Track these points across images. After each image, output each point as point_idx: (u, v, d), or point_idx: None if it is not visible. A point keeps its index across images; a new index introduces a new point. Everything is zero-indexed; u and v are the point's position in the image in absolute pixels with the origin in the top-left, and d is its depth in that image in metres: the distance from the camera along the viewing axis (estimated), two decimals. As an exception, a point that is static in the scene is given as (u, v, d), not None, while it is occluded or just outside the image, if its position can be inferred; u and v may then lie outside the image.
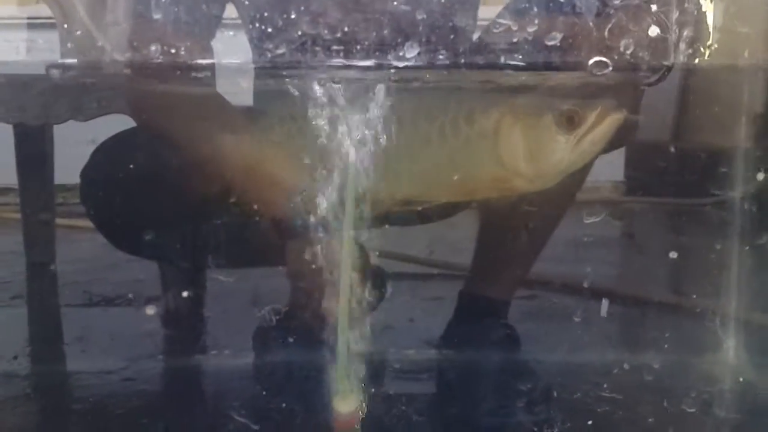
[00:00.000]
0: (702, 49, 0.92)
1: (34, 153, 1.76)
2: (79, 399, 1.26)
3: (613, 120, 0.89)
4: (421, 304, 1.62)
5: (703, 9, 0.93)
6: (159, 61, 0.83)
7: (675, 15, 0.88)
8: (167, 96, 0.99)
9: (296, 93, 0.88)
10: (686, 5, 0.89)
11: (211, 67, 0.89)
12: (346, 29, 0.81)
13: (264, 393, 1.19)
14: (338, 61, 0.82)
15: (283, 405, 1.08)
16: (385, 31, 0.81)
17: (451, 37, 0.87)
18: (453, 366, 1.33)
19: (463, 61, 0.83)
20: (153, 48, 0.83)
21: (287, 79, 0.90)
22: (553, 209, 1.24)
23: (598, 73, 0.82)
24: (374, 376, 0.91)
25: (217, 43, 0.97)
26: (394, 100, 0.90)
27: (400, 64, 0.80)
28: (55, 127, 1.68)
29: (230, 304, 1.42)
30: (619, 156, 2.33)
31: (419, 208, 1.00)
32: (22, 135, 1.72)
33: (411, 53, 0.80)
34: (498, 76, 0.90)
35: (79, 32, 0.80)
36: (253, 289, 1.29)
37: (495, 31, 0.86)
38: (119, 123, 1.21)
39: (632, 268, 2.07)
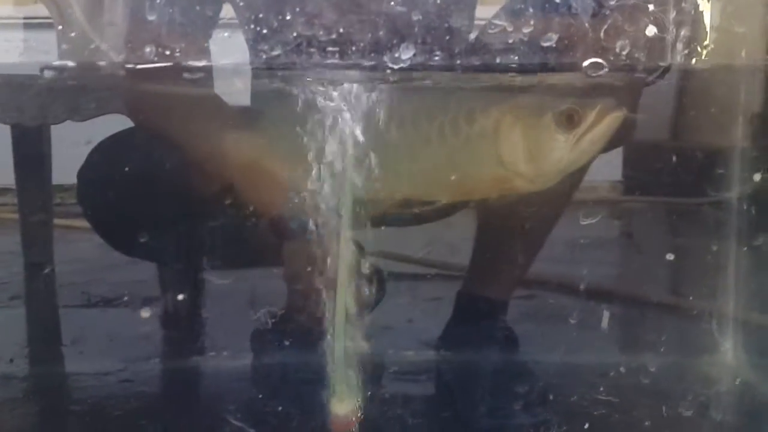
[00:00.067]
0: (699, 49, 0.92)
1: (31, 153, 1.76)
2: (77, 400, 1.26)
3: (612, 119, 0.89)
4: (420, 305, 1.62)
5: (701, 9, 0.93)
6: (155, 61, 0.83)
7: (672, 14, 0.87)
8: (163, 96, 0.99)
9: (292, 94, 0.88)
10: (683, 5, 0.89)
11: (207, 69, 0.89)
12: (341, 30, 0.81)
13: (262, 395, 1.19)
14: (333, 62, 0.82)
15: (279, 408, 1.08)
16: (381, 33, 0.81)
17: (447, 38, 0.87)
18: (451, 367, 1.33)
19: (458, 62, 0.83)
20: (148, 49, 0.83)
21: (283, 80, 0.90)
22: (551, 209, 1.24)
23: (593, 75, 0.82)
24: (372, 377, 0.91)
25: (212, 44, 0.96)
26: (392, 100, 0.90)
27: (396, 66, 0.80)
28: (53, 127, 1.68)
29: (228, 305, 1.42)
30: (617, 156, 2.33)
31: (417, 211, 0.99)
32: (20, 135, 1.72)
33: (406, 54, 0.80)
34: (494, 77, 0.90)
35: (73, 33, 0.80)
36: (252, 291, 1.29)
37: (490, 31, 0.86)
38: (117, 123, 1.21)
39: (631, 268, 2.07)
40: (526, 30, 0.83)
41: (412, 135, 0.94)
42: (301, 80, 0.86)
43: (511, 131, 0.92)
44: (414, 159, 0.96)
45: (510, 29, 0.84)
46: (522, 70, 0.86)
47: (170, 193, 1.10)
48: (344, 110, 0.85)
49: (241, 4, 1.00)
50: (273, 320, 1.03)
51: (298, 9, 0.84)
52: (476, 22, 1.08)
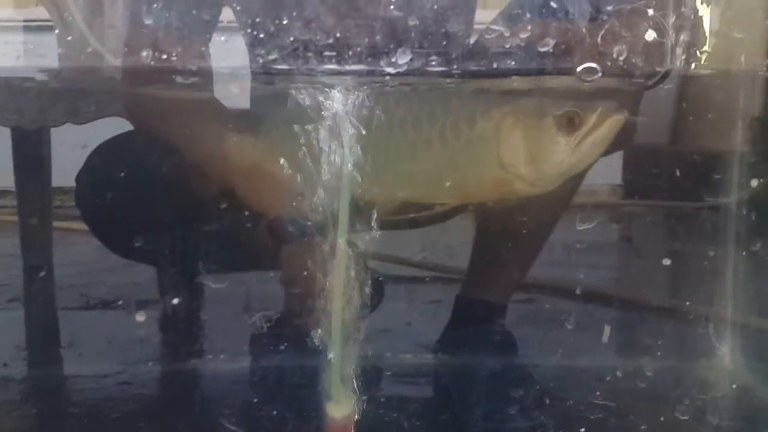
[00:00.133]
0: (698, 54, 0.92)
1: (31, 156, 1.76)
2: (76, 403, 1.26)
3: (614, 121, 0.89)
4: (418, 308, 1.62)
5: (700, 14, 0.93)
6: (152, 64, 0.83)
7: (672, 19, 0.88)
8: (162, 99, 0.99)
9: (291, 97, 0.88)
10: (683, 10, 0.89)
11: (204, 72, 0.89)
12: (338, 35, 0.81)
13: (259, 398, 1.19)
14: (330, 67, 0.82)
15: (277, 412, 1.08)
16: (378, 37, 0.81)
17: (444, 42, 0.87)
18: (449, 370, 1.33)
19: (455, 67, 0.83)
20: (147, 53, 0.83)
21: (281, 84, 0.90)
22: (550, 213, 1.24)
23: (588, 79, 0.82)
24: (370, 380, 0.91)
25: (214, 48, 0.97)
26: (392, 102, 0.90)
27: (393, 70, 0.80)
28: (53, 130, 1.68)
29: (227, 308, 1.42)
30: (617, 159, 2.33)
31: (416, 215, 0.99)
32: (20, 138, 1.72)
33: (403, 59, 0.80)
34: (492, 82, 0.90)
35: (70, 37, 0.80)
36: (250, 294, 1.29)
37: (488, 37, 0.86)
38: (116, 126, 1.21)
39: (629, 272, 2.07)
40: (523, 35, 0.83)
41: (412, 138, 0.94)
42: (299, 84, 0.86)
43: (512, 134, 0.92)
44: (414, 162, 0.96)
45: (507, 34, 0.84)
46: (519, 74, 0.86)
47: (168, 197, 1.10)
48: (343, 114, 0.85)
49: (238, 8, 1.00)
50: (268, 324, 1.03)
51: (295, 13, 0.84)
52: (477, 26, 1.08)
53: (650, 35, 0.85)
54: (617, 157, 2.24)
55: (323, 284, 0.88)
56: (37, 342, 1.53)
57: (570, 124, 0.89)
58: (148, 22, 0.85)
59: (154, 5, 0.86)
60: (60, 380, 1.36)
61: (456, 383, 1.27)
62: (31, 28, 1.08)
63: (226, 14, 1.07)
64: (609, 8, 0.86)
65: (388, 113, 0.92)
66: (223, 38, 0.99)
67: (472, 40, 0.96)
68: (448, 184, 0.95)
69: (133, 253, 1.24)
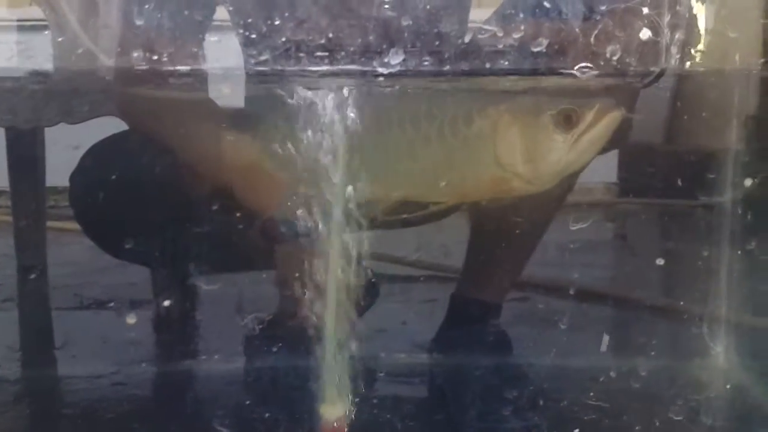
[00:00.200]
0: (693, 53, 0.92)
1: (25, 156, 1.75)
2: (70, 403, 1.26)
3: (611, 118, 0.89)
4: (413, 307, 1.62)
5: (695, 12, 0.93)
6: (145, 66, 0.83)
7: (667, 18, 0.87)
8: (154, 100, 0.99)
9: (284, 97, 0.88)
10: (678, 8, 0.89)
11: (197, 73, 0.89)
12: (330, 35, 0.81)
13: (253, 399, 1.19)
14: (323, 67, 0.81)
15: (270, 413, 1.08)
16: (371, 37, 0.81)
17: (437, 42, 0.87)
18: (444, 370, 1.33)
19: (448, 67, 0.83)
20: (139, 53, 0.83)
21: (275, 84, 0.90)
22: (545, 212, 1.24)
23: (582, 78, 0.82)
24: (364, 380, 0.90)
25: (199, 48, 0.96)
26: (388, 101, 0.90)
27: (385, 71, 0.80)
28: (47, 129, 1.67)
29: (220, 309, 1.41)
30: (612, 158, 2.33)
31: (410, 215, 0.99)
32: (13, 138, 1.72)
33: (396, 59, 0.80)
34: (485, 82, 0.90)
35: (60, 38, 0.80)
36: (244, 295, 1.29)
37: (481, 36, 0.85)
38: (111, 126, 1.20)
39: (624, 271, 2.07)
40: (516, 35, 0.83)
41: (410, 135, 0.94)
42: (291, 84, 0.86)
43: (509, 132, 0.91)
44: (411, 160, 0.96)
45: (500, 34, 0.84)
46: (512, 74, 0.86)
47: (162, 197, 1.10)
48: (338, 113, 0.85)
49: (231, 8, 1.00)
50: (260, 326, 1.03)
51: (287, 13, 0.83)
52: (473, 25, 1.08)
53: (645, 34, 0.85)
54: (612, 156, 2.24)
55: (318, 284, 0.88)
56: (30, 342, 1.53)
57: (567, 121, 0.89)
58: (138, 22, 0.85)
59: (145, 5, 0.86)
60: (54, 381, 1.36)
61: (451, 383, 1.27)
62: (24, 27, 1.07)
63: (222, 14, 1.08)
64: (602, 8, 0.86)
65: (385, 112, 0.92)
66: (215, 38, 0.99)
67: (467, 39, 0.96)
68: (445, 182, 0.95)
69: (126, 254, 1.23)
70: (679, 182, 1.36)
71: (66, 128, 1.53)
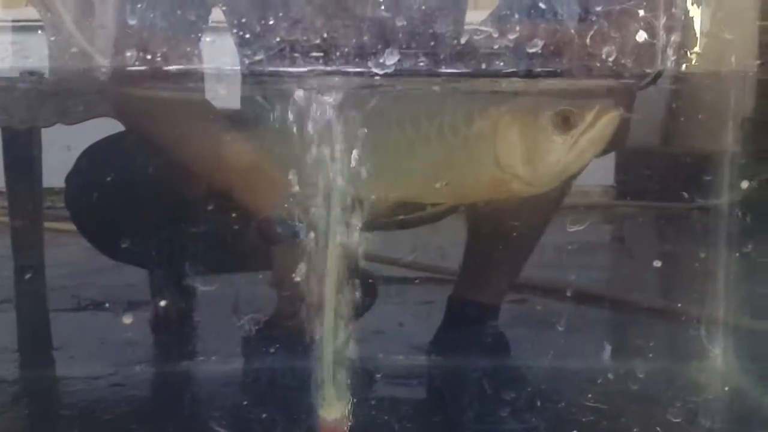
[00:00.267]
0: (689, 55, 0.92)
1: (21, 156, 1.75)
2: (67, 404, 1.25)
3: (610, 119, 0.89)
4: (411, 309, 1.62)
5: (691, 14, 0.93)
6: (140, 66, 0.82)
7: (663, 20, 0.87)
8: (149, 100, 0.99)
9: (280, 98, 0.88)
10: (674, 10, 0.89)
11: (192, 73, 0.89)
12: (325, 35, 0.81)
13: (251, 400, 1.19)
14: (318, 68, 0.81)
15: (268, 413, 1.08)
16: (365, 38, 0.81)
17: (432, 43, 0.87)
18: (442, 371, 1.33)
19: (443, 68, 0.83)
20: (132, 53, 0.83)
21: (270, 85, 0.90)
22: (542, 213, 1.24)
23: (578, 79, 0.82)
24: (362, 382, 0.90)
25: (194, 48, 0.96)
26: (388, 101, 0.90)
27: (380, 71, 0.80)
28: (44, 130, 1.67)
29: (218, 309, 1.41)
30: (609, 160, 2.33)
31: (407, 216, 0.99)
32: (10, 138, 1.72)
33: (391, 60, 0.80)
34: (481, 83, 0.90)
35: (53, 38, 0.80)
36: (241, 296, 1.29)
37: (476, 37, 0.85)
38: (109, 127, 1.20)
39: (621, 273, 2.08)
40: (511, 36, 0.83)
41: (409, 137, 0.93)
42: (287, 84, 0.86)
43: (508, 133, 0.91)
44: (411, 161, 0.96)
45: (496, 35, 0.83)
46: (507, 75, 0.86)
47: (158, 198, 1.10)
48: (337, 114, 0.85)
49: (224, 8, 1.00)
50: (257, 327, 1.03)
51: (281, 13, 0.83)
52: (469, 27, 1.08)
53: (641, 36, 0.85)
54: (609, 158, 2.24)
55: (316, 285, 0.88)
56: (28, 343, 1.52)
57: (566, 122, 0.89)
58: (131, 22, 0.85)
59: (139, 5, 0.86)
60: (51, 382, 1.35)
61: (448, 384, 1.27)
62: (20, 28, 1.07)
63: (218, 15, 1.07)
64: (598, 9, 0.86)
65: (385, 112, 0.91)
66: (209, 39, 0.99)
67: (462, 40, 0.96)
68: (445, 183, 0.95)
69: (123, 255, 1.23)
70: (676, 184, 1.36)
71: (63, 129, 1.53)
